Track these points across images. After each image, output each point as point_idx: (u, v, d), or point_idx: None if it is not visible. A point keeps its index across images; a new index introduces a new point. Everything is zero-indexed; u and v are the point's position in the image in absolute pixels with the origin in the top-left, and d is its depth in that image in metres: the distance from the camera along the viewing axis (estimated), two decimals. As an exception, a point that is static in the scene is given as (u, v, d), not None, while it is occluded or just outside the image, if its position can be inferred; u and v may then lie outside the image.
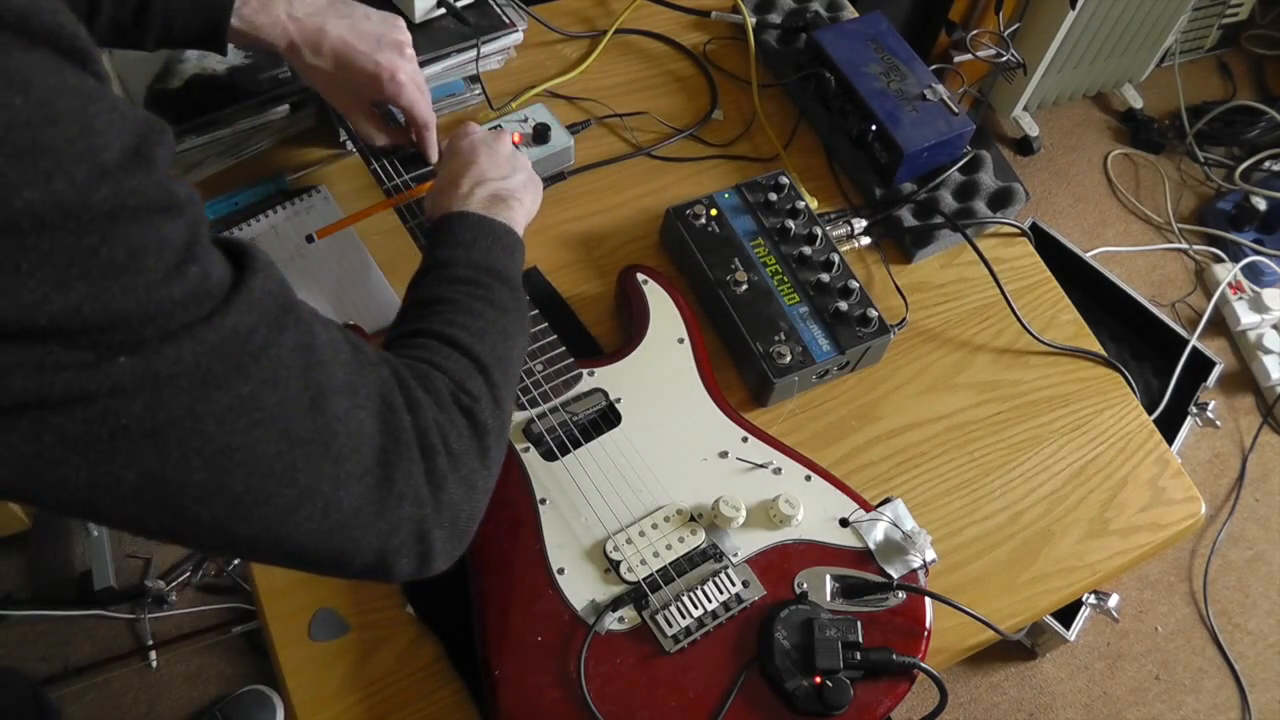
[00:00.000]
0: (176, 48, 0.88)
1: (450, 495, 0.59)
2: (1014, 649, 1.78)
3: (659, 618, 0.78)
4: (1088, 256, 2.01)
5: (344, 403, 0.54)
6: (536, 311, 0.91)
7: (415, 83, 0.91)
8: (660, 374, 0.92)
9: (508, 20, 1.11)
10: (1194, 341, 1.90)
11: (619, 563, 0.80)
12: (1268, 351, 2.16)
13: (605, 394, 0.89)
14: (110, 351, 0.44)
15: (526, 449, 0.85)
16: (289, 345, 0.51)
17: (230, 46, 0.87)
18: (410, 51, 0.91)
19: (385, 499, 0.55)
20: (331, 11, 0.88)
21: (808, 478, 0.87)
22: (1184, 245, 2.38)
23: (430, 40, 1.06)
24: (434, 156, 0.96)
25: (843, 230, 1.09)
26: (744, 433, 0.89)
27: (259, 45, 0.87)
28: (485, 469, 0.62)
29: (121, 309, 0.43)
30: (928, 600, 0.82)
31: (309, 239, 0.94)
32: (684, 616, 0.78)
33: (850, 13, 1.28)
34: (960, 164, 1.13)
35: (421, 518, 0.57)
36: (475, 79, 1.12)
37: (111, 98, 0.45)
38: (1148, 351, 1.95)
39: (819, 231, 1.02)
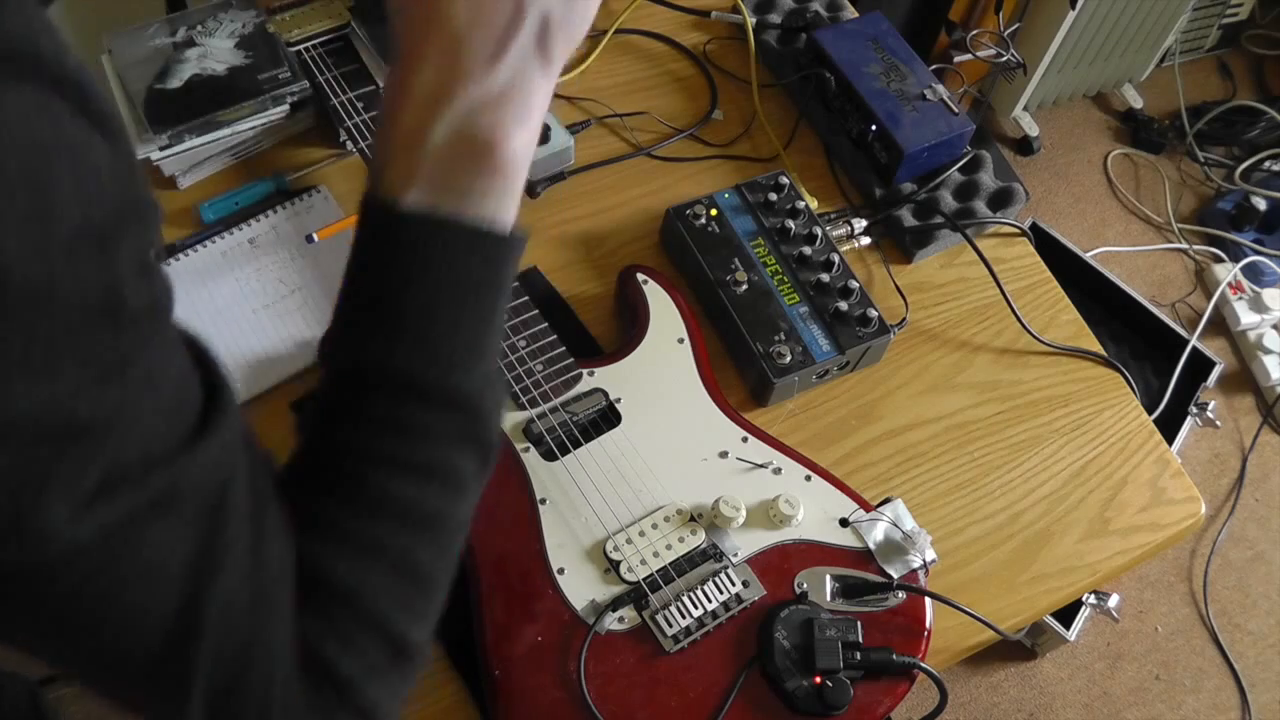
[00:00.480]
0: None
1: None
2: (1014, 649, 1.78)
3: (659, 618, 0.78)
4: (1088, 256, 2.01)
5: (212, 633, 0.42)
6: (536, 311, 0.91)
7: None
8: (660, 374, 0.92)
9: (508, 20, 1.11)
10: (1194, 341, 1.90)
11: (619, 563, 0.80)
12: (1268, 351, 2.16)
13: (605, 394, 0.89)
14: None
15: (526, 449, 0.85)
16: (183, 554, 0.40)
17: (230, 46, 0.85)
18: None
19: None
20: None
21: (808, 478, 0.87)
22: (1184, 245, 2.38)
23: (430, 40, 1.06)
24: None
25: (843, 230, 1.09)
26: (744, 433, 0.89)
27: None
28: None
29: (18, 414, 0.34)
30: (928, 600, 0.82)
31: (309, 239, 0.94)
32: (684, 616, 0.78)
33: (850, 13, 1.28)
34: (960, 164, 1.13)
35: None
36: (475, 79, 1.12)
37: (98, 159, 0.36)
38: (1148, 351, 1.95)
39: (819, 231, 1.02)
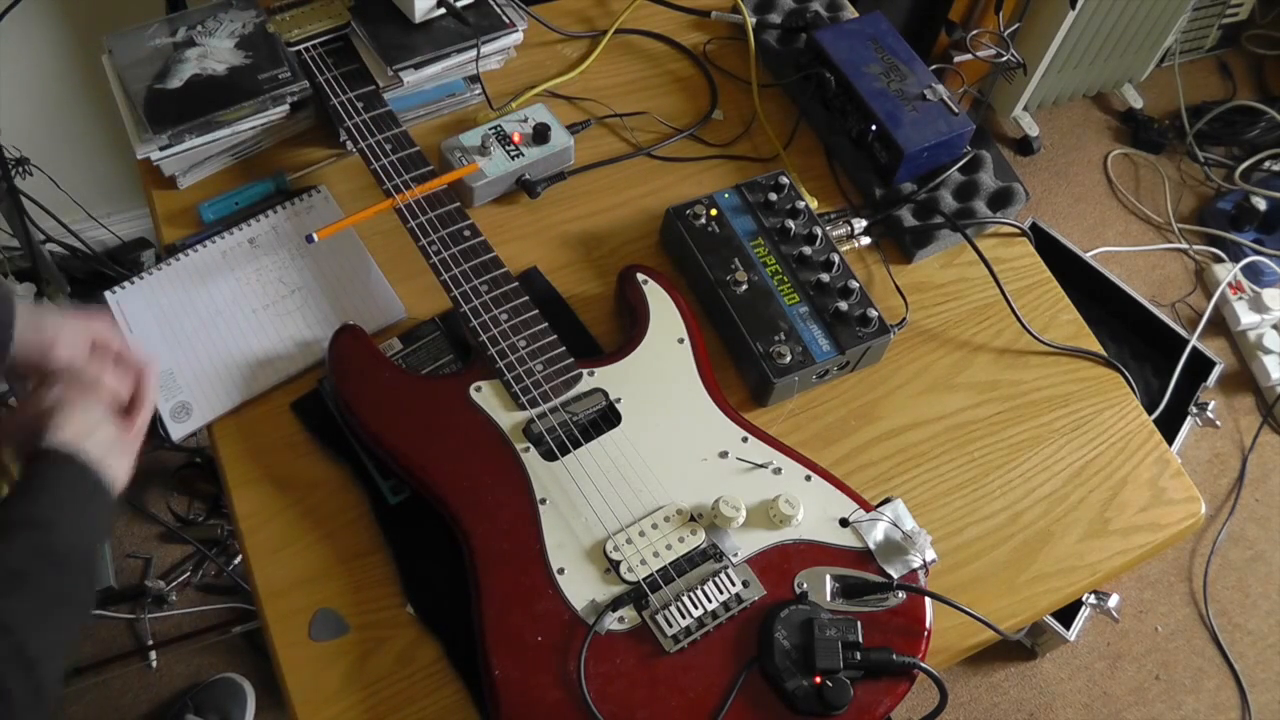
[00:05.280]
0: None
1: None
2: (1014, 649, 1.78)
3: (659, 618, 0.78)
4: (1088, 256, 2.01)
5: None
6: (537, 311, 0.91)
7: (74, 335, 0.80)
8: (660, 374, 0.92)
9: (508, 20, 1.11)
10: (1194, 341, 1.89)
11: (619, 563, 0.80)
12: (1268, 351, 2.16)
13: (605, 394, 0.89)
14: None
15: (526, 449, 0.85)
16: None
17: (230, 46, 0.85)
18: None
19: None
20: None
21: (808, 478, 0.87)
22: (1184, 245, 2.38)
23: (430, 40, 1.06)
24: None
25: (843, 230, 1.09)
26: (744, 433, 0.89)
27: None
28: None
29: None
30: (928, 600, 0.82)
31: (309, 239, 0.94)
32: (684, 616, 0.78)
33: (850, 13, 1.28)
34: (960, 164, 1.13)
35: None
36: (475, 79, 1.12)
37: None
38: (1148, 351, 1.95)
39: (819, 231, 1.02)
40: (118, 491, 0.73)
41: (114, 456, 0.73)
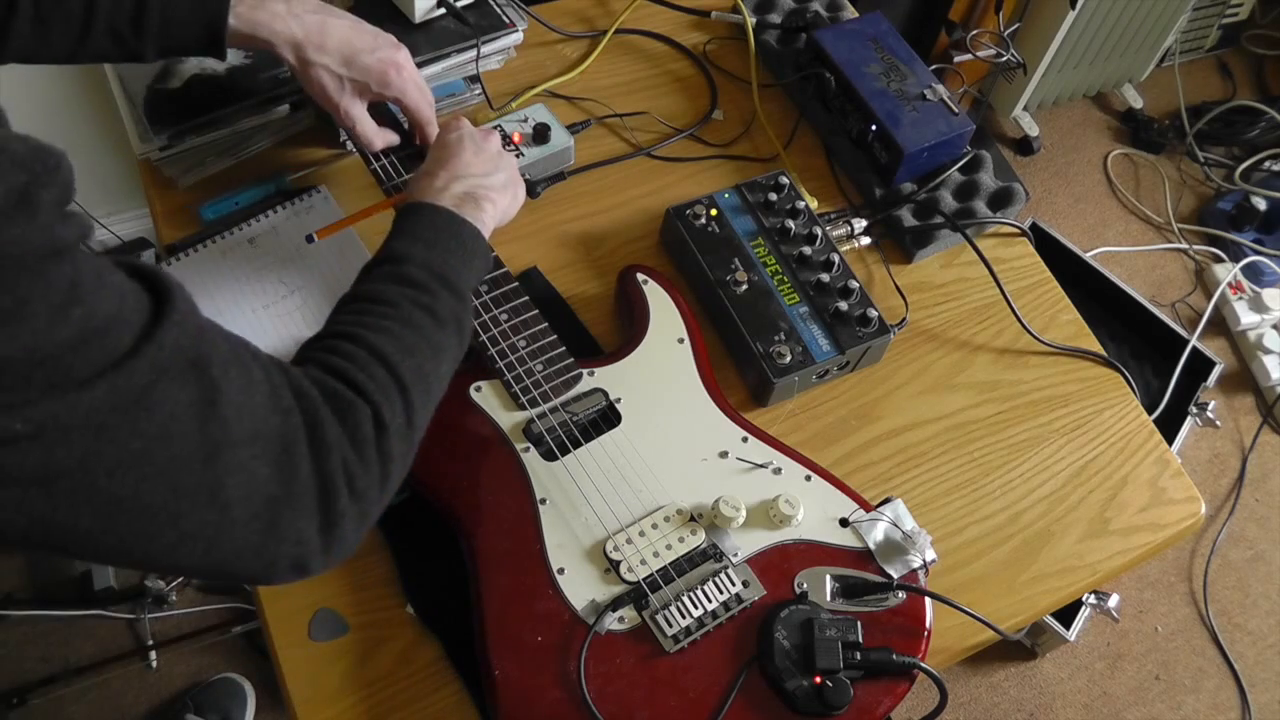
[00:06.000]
0: (176, 55, 0.88)
1: (342, 532, 0.59)
2: (1014, 649, 1.78)
3: (659, 618, 0.78)
4: (1088, 256, 2.01)
5: (241, 454, 0.54)
6: (536, 311, 0.91)
7: (416, 81, 0.92)
8: (660, 374, 0.92)
9: (508, 20, 1.11)
10: (1194, 341, 1.89)
11: (619, 563, 0.80)
12: (1268, 351, 2.16)
13: (605, 394, 0.89)
14: (2, 400, 0.44)
15: (526, 449, 0.85)
16: (188, 402, 0.51)
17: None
18: (407, 52, 0.92)
19: (268, 542, 0.56)
20: (328, 11, 0.88)
21: (808, 478, 0.87)
22: (1184, 245, 2.38)
23: (430, 40, 1.06)
24: None
25: (843, 230, 1.09)
26: (744, 433, 0.89)
27: (258, 45, 0.86)
28: (383, 495, 0.63)
29: (7, 356, 0.43)
30: (928, 600, 0.82)
31: (309, 239, 0.93)
32: (684, 616, 0.78)
33: (850, 13, 1.28)
34: (960, 164, 1.13)
35: (302, 554, 0.58)
36: (475, 79, 1.12)
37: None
38: (1148, 351, 1.95)
39: (819, 231, 1.02)
40: (481, 229, 0.80)
41: (470, 204, 0.80)
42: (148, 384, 0.49)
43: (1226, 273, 2.24)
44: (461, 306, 0.73)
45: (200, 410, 0.52)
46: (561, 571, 0.79)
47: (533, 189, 1.07)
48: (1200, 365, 1.92)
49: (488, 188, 0.82)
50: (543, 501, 0.83)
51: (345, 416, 0.61)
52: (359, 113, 0.92)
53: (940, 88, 1.12)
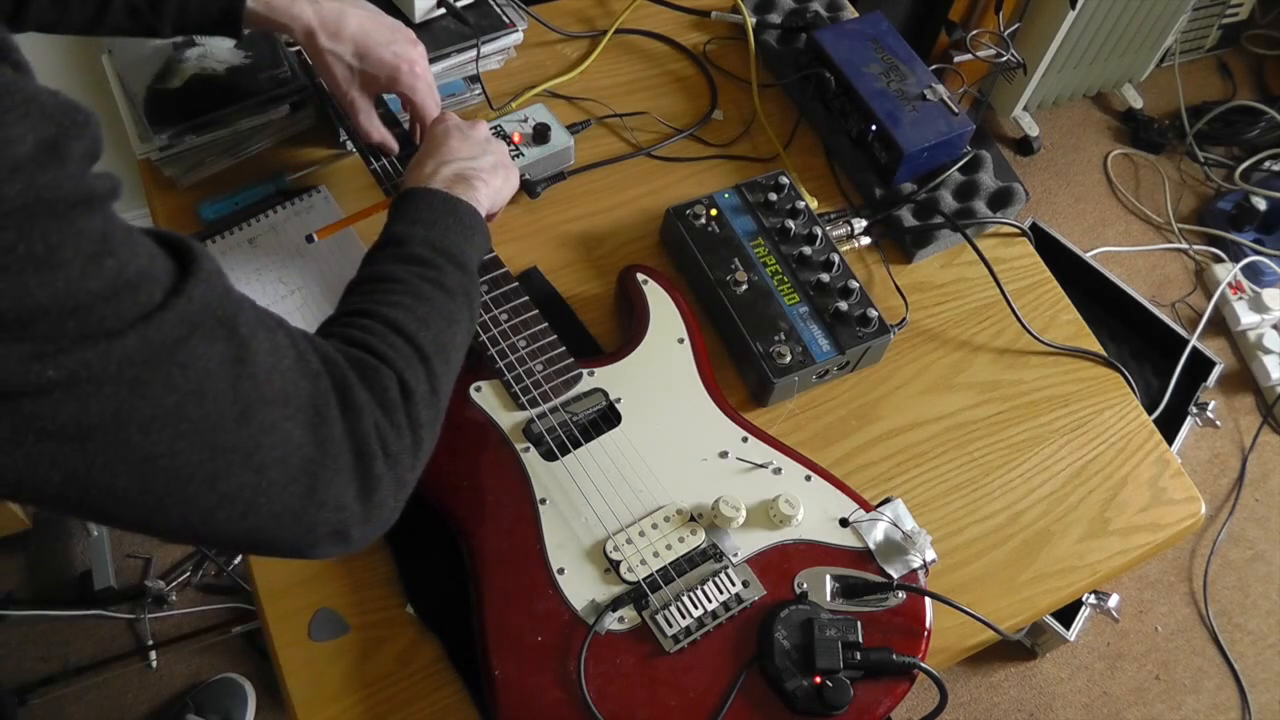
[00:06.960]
0: (192, 33, 0.87)
1: (380, 496, 0.59)
2: (1014, 649, 1.78)
3: (659, 618, 0.78)
4: (1088, 256, 2.01)
5: (274, 414, 0.54)
6: (536, 311, 0.91)
7: (427, 80, 0.92)
8: (660, 374, 0.92)
9: (508, 20, 1.11)
10: (1194, 341, 1.89)
11: (619, 563, 0.80)
12: (1268, 351, 2.16)
13: (605, 394, 0.89)
14: (33, 349, 0.44)
15: (526, 449, 0.85)
16: (219, 358, 0.51)
17: (229, 46, 0.87)
18: (422, 48, 0.92)
19: (307, 507, 0.56)
20: (348, 1, 0.88)
21: (808, 478, 0.87)
22: (1184, 245, 2.38)
23: (430, 40, 1.06)
24: None
25: (843, 230, 1.09)
26: (744, 433, 0.89)
27: (274, 27, 0.86)
28: (417, 462, 0.63)
29: (40, 303, 0.43)
30: (928, 600, 0.82)
31: (309, 239, 0.93)
32: (684, 616, 0.78)
33: (850, 13, 1.28)
34: (960, 164, 1.13)
35: (343, 520, 0.58)
36: (475, 79, 1.12)
37: (27, 89, 0.44)
38: (1148, 351, 1.95)
39: (819, 231, 1.02)
40: (476, 206, 0.80)
41: (461, 184, 0.81)
42: (179, 337, 0.49)
43: (1226, 273, 2.24)
44: (469, 280, 0.74)
45: (232, 367, 0.52)
46: (561, 571, 0.79)
47: (533, 189, 1.07)
48: (1200, 365, 1.92)
49: (477, 169, 0.83)
50: (543, 501, 0.83)
51: (372, 382, 0.61)
52: (364, 105, 0.92)
53: (940, 88, 1.12)
